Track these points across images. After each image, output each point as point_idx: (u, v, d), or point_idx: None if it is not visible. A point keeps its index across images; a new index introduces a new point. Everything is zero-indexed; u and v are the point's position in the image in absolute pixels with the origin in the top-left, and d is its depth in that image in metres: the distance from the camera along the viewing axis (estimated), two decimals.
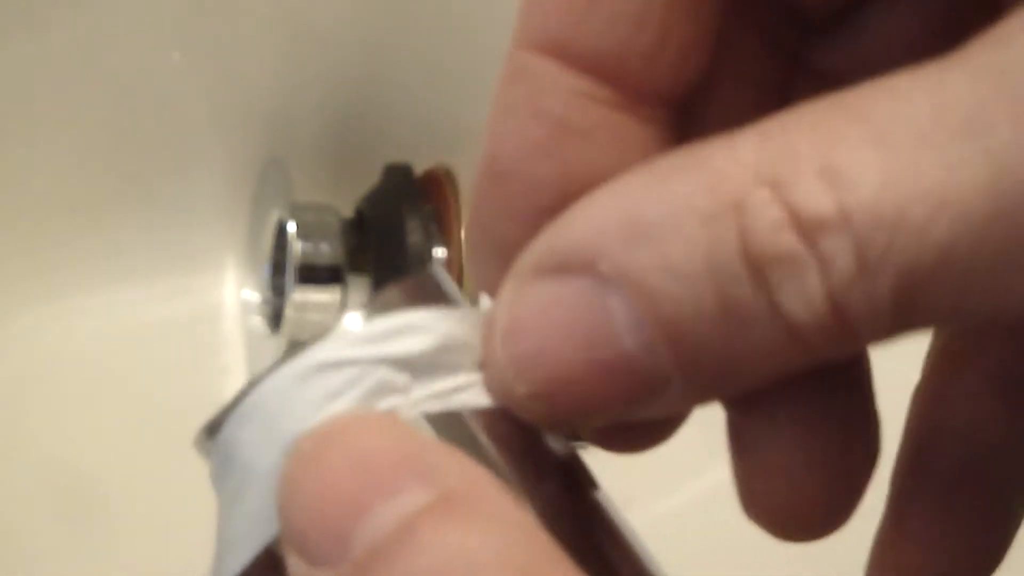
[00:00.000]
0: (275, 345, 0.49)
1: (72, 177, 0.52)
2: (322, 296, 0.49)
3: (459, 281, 0.45)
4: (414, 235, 0.48)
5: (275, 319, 0.51)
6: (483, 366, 0.18)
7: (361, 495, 0.15)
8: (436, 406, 0.17)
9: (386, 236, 0.49)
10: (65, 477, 0.49)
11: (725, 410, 0.20)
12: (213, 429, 0.18)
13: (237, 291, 0.54)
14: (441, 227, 0.49)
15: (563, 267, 0.16)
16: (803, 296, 0.15)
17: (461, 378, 0.17)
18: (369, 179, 0.51)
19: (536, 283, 0.17)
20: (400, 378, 0.17)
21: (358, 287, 0.49)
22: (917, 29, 0.20)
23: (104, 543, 0.48)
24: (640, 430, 0.21)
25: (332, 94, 0.53)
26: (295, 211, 0.49)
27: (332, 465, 0.16)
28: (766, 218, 0.15)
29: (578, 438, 0.19)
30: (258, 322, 0.52)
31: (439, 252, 0.48)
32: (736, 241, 0.15)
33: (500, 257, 0.18)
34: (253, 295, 0.52)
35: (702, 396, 0.17)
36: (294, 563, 0.16)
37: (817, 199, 0.15)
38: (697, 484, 0.50)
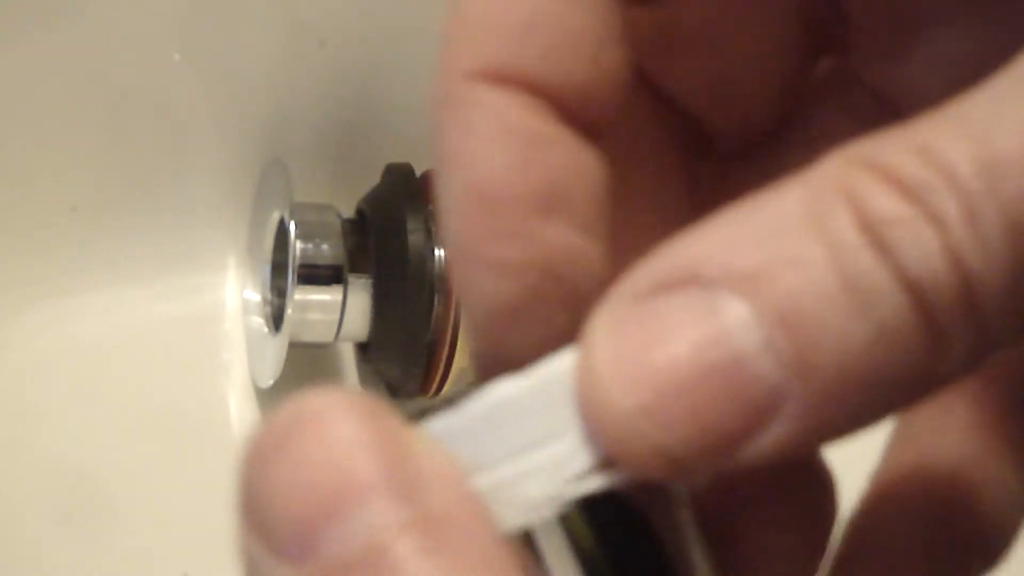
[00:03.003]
0: (276, 345, 0.49)
1: (72, 177, 0.52)
2: (323, 296, 0.49)
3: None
4: (415, 235, 0.48)
5: (276, 319, 0.51)
6: (580, 394, 0.16)
7: (335, 496, 0.15)
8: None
9: (387, 236, 0.49)
10: (66, 476, 0.49)
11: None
12: None
13: (238, 291, 0.54)
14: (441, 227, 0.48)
15: (664, 285, 0.16)
16: (923, 253, 0.15)
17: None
18: (370, 179, 0.51)
19: (639, 304, 0.16)
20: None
21: (359, 287, 0.49)
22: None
23: (105, 542, 0.48)
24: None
25: (333, 94, 0.53)
26: (296, 211, 0.49)
27: (310, 453, 0.15)
28: (874, 190, 0.15)
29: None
30: (259, 322, 0.52)
31: (439, 252, 0.48)
32: (849, 215, 0.15)
33: (502, 277, 0.18)
34: (254, 295, 0.52)
35: (825, 413, 0.15)
36: (254, 548, 0.15)
37: (917, 167, 0.15)
38: None
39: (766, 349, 0.15)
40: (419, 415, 0.17)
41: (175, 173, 0.53)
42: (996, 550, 0.21)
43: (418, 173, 0.50)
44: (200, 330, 0.53)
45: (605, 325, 0.16)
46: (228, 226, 0.54)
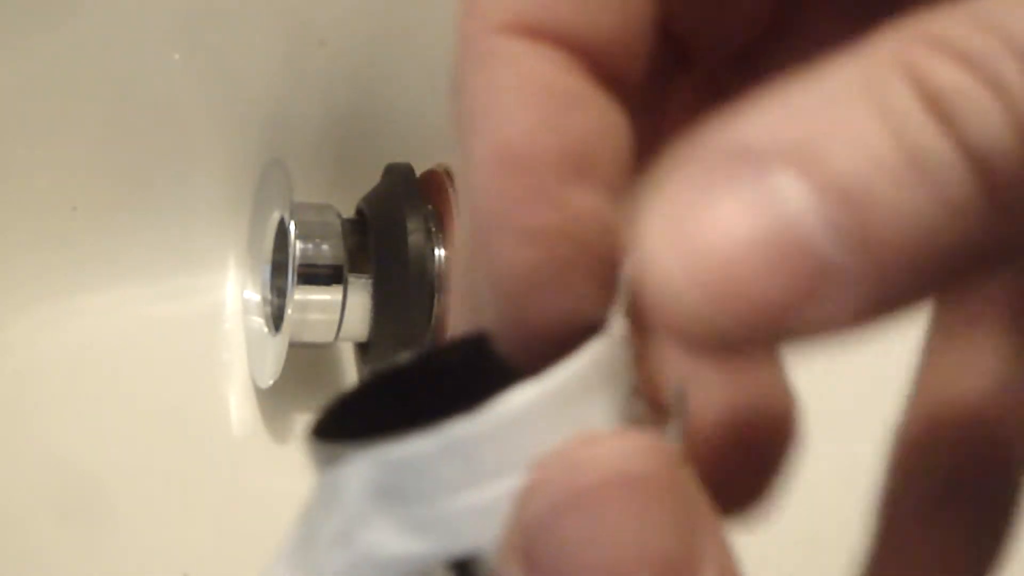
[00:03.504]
0: (276, 345, 0.49)
1: (72, 177, 0.52)
2: (323, 296, 0.49)
3: None
4: (415, 235, 0.48)
5: (276, 319, 0.51)
6: (635, 274, 0.16)
7: (616, 571, 0.15)
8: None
9: (387, 236, 0.49)
10: (66, 476, 0.49)
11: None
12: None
13: (238, 291, 0.54)
14: (441, 227, 0.48)
15: (719, 163, 0.15)
16: (986, 123, 0.14)
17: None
18: (370, 179, 0.51)
19: (692, 187, 0.15)
20: None
21: (359, 287, 0.49)
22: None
23: (105, 542, 0.48)
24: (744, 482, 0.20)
25: (333, 94, 0.53)
26: (296, 211, 0.49)
27: (614, 525, 0.15)
28: (933, 62, 0.14)
29: None
30: (259, 322, 0.52)
31: (440, 252, 0.48)
32: (908, 84, 0.14)
33: (530, 244, 0.17)
34: (254, 295, 0.52)
35: (890, 293, 0.15)
36: None
37: (977, 37, 0.14)
38: None
39: (825, 224, 0.14)
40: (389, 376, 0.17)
41: (175, 173, 0.53)
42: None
43: (418, 173, 0.50)
44: (200, 330, 0.53)
45: (661, 212, 0.15)
46: (228, 226, 0.54)
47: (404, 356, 0.18)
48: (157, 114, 0.52)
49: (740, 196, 0.15)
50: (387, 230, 0.49)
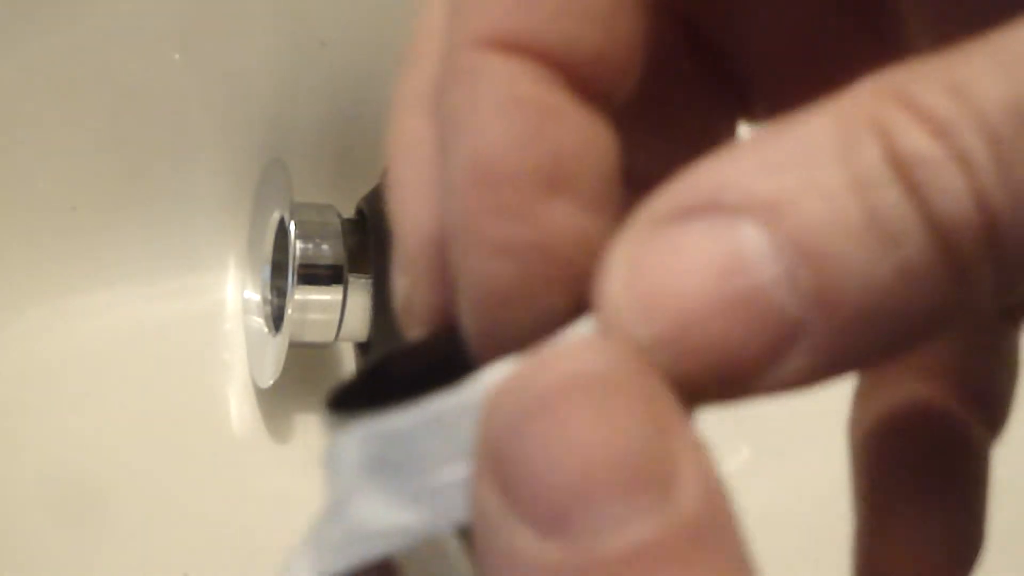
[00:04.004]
0: (276, 345, 0.49)
1: (72, 177, 0.52)
2: (323, 296, 0.49)
3: None
4: None
5: (276, 319, 0.51)
6: (599, 317, 0.16)
7: (599, 482, 0.14)
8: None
9: (387, 236, 0.49)
10: (65, 477, 0.49)
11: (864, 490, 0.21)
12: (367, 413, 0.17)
13: (238, 291, 0.54)
14: None
15: (687, 210, 0.15)
16: (950, 194, 0.14)
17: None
18: (370, 179, 0.51)
19: (657, 231, 0.16)
20: None
21: (359, 287, 0.49)
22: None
23: (104, 542, 0.48)
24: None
25: (333, 94, 0.53)
26: (296, 211, 0.49)
27: (582, 427, 0.15)
28: (904, 126, 0.15)
29: None
30: (259, 322, 0.52)
31: None
32: (878, 147, 0.15)
33: (503, 259, 0.17)
34: (254, 295, 0.52)
35: (846, 352, 0.15)
36: (495, 506, 0.15)
37: (948, 105, 0.15)
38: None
39: (786, 281, 0.15)
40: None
41: (175, 173, 0.53)
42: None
43: None
44: (200, 330, 0.53)
45: (623, 253, 0.16)
46: (228, 226, 0.54)
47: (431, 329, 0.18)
48: (157, 114, 0.52)
49: (702, 244, 0.15)
50: (387, 230, 0.49)
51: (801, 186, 0.15)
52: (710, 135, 0.22)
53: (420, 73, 0.19)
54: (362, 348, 0.51)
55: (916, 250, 0.15)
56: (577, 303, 0.17)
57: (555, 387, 0.15)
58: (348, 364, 0.54)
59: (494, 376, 0.16)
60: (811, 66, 0.21)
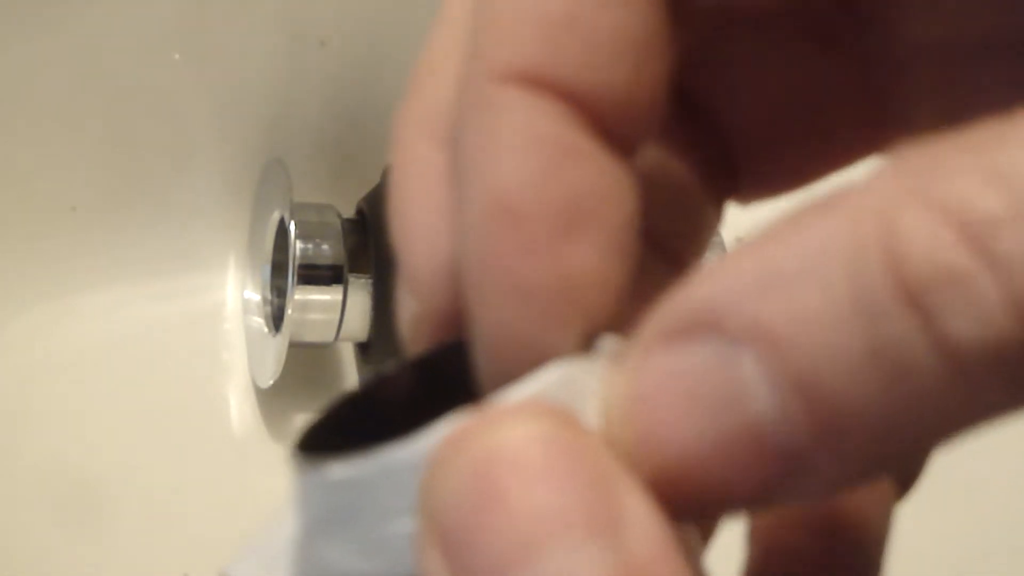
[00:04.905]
0: (276, 345, 0.49)
1: (72, 177, 0.52)
2: (323, 296, 0.49)
3: None
4: None
5: (276, 319, 0.51)
6: (602, 426, 0.16)
7: (534, 538, 0.14)
8: None
9: (387, 236, 0.49)
10: (66, 476, 0.49)
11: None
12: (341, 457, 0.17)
13: (238, 291, 0.54)
14: None
15: (688, 330, 0.15)
16: (976, 313, 0.13)
17: None
18: (370, 179, 0.51)
19: (660, 351, 0.15)
20: None
21: (359, 287, 0.49)
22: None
23: (105, 541, 0.48)
24: None
25: (333, 94, 0.53)
26: (296, 211, 0.49)
27: (514, 502, 0.14)
28: (923, 237, 0.13)
29: None
30: (259, 322, 0.52)
31: None
32: (886, 272, 0.13)
33: (523, 301, 0.17)
34: (254, 295, 0.52)
35: (857, 474, 0.15)
36: None
37: (986, 197, 0.13)
38: None
39: (782, 416, 0.14)
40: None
41: (175, 173, 0.53)
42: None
43: None
44: (200, 330, 0.53)
45: (628, 371, 0.15)
46: (228, 226, 0.54)
47: (398, 361, 0.18)
48: (157, 114, 0.52)
49: (702, 372, 0.15)
50: (387, 230, 0.49)
51: (799, 314, 0.14)
52: (696, 207, 0.22)
53: (429, 97, 0.19)
54: (362, 348, 0.51)
55: (928, 377, 0.14)
56: (587, 344, 0.17)
57: (492, 456, 0.15)
58: (348, 364, 0.54)
59: (443, 431, 0.16)
60: (802, 136, 0.21)
